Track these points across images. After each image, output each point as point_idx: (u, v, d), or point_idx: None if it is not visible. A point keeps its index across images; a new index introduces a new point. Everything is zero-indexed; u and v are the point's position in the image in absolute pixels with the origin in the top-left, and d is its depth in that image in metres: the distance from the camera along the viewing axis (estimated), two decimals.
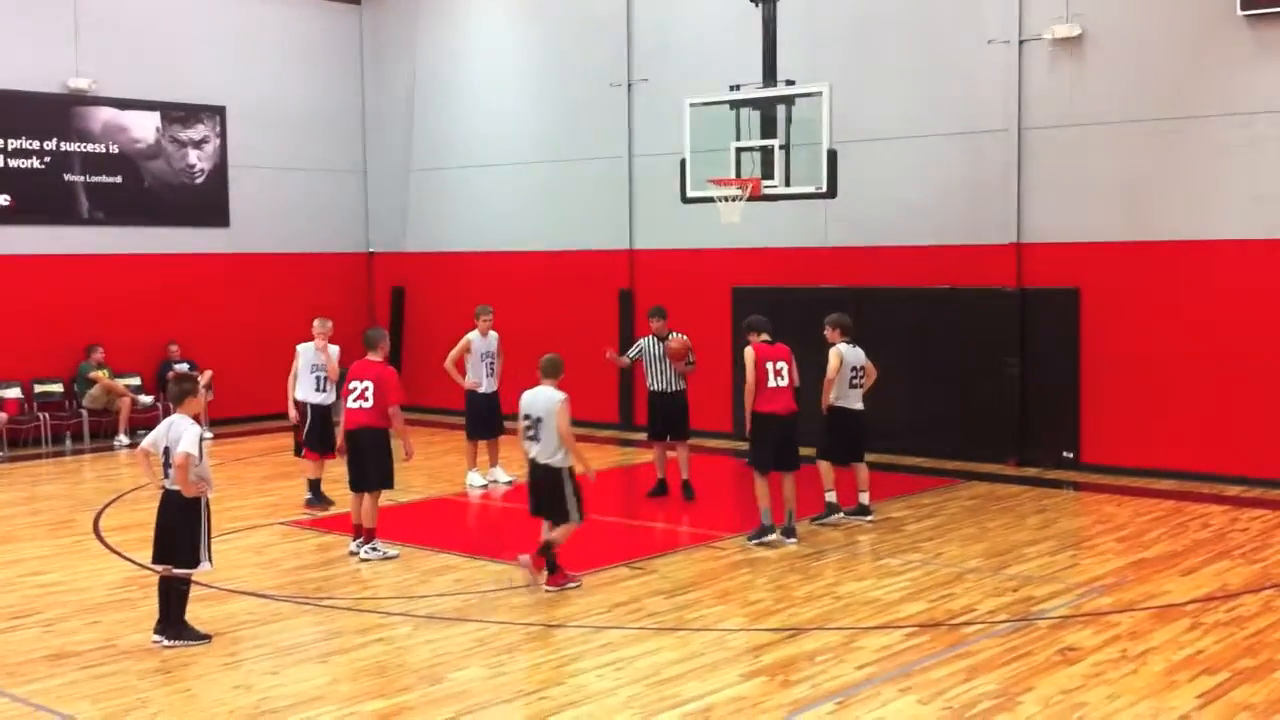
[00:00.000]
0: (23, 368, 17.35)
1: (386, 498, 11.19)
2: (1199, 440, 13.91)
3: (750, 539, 11.02)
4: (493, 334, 13.89)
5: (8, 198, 17.31)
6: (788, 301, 15.41)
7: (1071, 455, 14.70)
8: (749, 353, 11.07)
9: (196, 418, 8.55)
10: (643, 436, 14.41)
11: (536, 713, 7.10)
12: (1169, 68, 13.98)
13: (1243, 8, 13.30)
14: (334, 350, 12.92)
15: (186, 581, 8.45)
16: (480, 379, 13.79)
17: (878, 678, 7.58)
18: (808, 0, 15.76)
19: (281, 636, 8.56)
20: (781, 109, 13.83)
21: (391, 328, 20.13)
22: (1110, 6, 14.33)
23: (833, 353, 11.81)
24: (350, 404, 10.72)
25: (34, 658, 8.14)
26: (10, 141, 17.33)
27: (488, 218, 19.79)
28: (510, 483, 13.83)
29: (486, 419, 13.89)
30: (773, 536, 10.96)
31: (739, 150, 13.95)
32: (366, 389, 10.65)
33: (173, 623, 8.32)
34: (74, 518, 12.64)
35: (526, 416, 9.61)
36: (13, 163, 17.37)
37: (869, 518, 11.95)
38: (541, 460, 9.61)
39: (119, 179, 18.36)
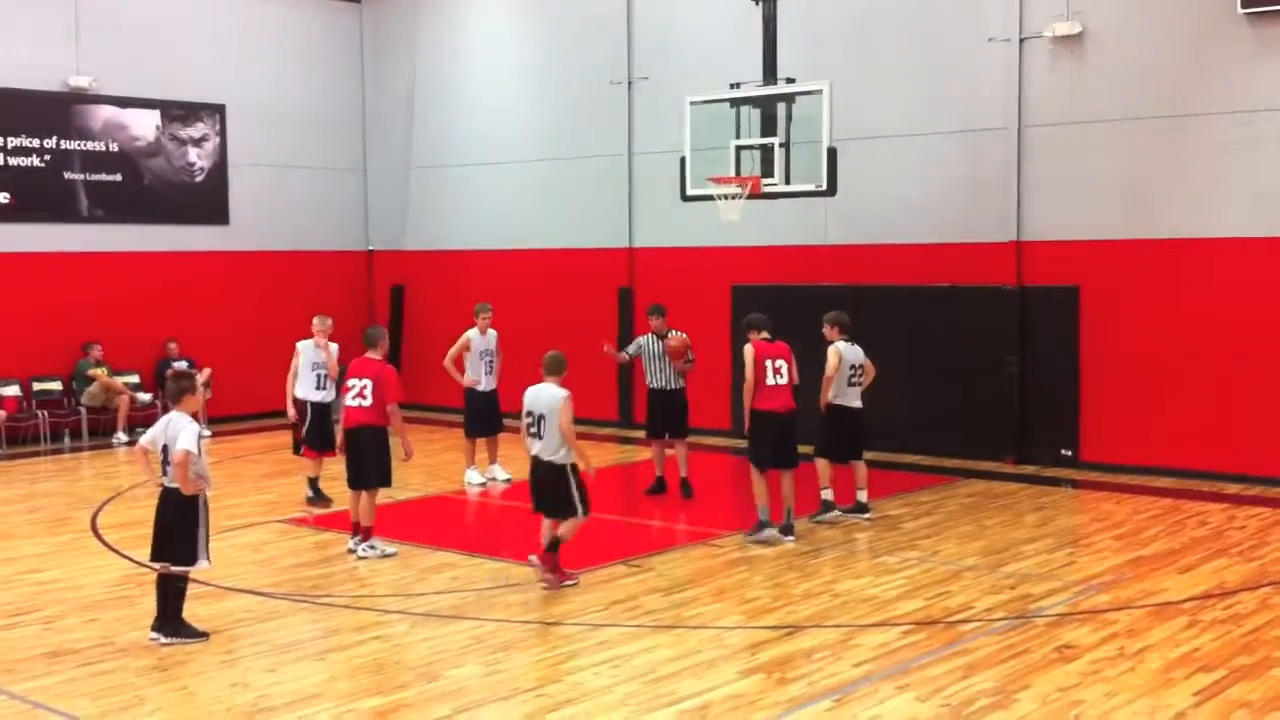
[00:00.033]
0: (21, 365, 17.34)
1: (384, 495, 11.19)
2: (1197, 438, 13.91)
3: (748, 537, 11.03)
4: (492, 332, 13.89)
5: (7, 195, 17.30)
6: (787, 299, 15.40)
7: (1070, 453, 14.70)
8: (748, 350, 11.08)
9: (195, 415, 8.56)
10: (642, 434, 14.41)
11: (533, 710, 7.10)
12: (1169, 66, 13.97)
13: (1243, 6, 13.29)
14: (333, 348, 12.92)
15: (184, 579, 8.45)
16: (479, 377, 13.79)
17: (875, 675, 7.58)
18: None
19: (279, 634, 8.56)
20: (781, 107, 13.82)
21: (391, 326, 20.13)
22: (1111, 4, 14.32)
23: (831, 351, 11.81)
24: (349, 402, 10.72)
25: (32, 655, 8.14)
26: (10, 139, 17.32)
27: (487, 216, 19.78)
28: (509, 480, 13.84)
29: (485, 417, 13.89)
30: (770, 532, 10.97)
31: (739, 148, 13.94)
32: (365, 387, 10.65)
33: (170, 620, 8.33)
34: (72, 515, 12.64)
35: (529, 413, 9.60)
36: (13, 160, 17.36)
37: (867, 515, 11.95)
38: (544, 457, 9.59)
39: (119, 177, 18.36)
